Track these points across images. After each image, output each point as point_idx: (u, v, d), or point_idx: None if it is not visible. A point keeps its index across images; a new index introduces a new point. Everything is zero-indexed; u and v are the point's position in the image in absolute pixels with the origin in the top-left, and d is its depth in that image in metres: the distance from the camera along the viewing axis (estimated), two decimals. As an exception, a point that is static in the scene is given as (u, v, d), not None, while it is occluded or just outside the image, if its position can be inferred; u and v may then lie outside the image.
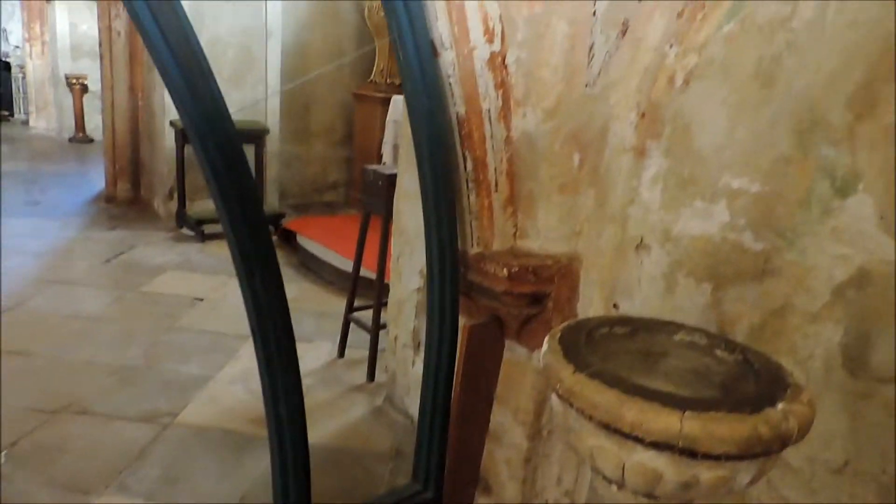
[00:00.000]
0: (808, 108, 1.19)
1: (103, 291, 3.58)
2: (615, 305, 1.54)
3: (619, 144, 1.51)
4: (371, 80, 5.43)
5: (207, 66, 1.10)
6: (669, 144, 1.42)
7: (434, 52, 1.41)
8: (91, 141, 8.71)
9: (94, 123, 8.78)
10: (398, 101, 4.75)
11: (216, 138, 1.10)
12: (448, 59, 1.41)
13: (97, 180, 6.27)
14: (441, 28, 1.38)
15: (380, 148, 4.95)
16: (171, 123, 4.64)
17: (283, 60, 5.14)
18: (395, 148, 4.73)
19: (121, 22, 4.99)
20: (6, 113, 10.77)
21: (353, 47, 5.72)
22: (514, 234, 1.61)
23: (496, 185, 1.54)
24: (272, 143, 5.14)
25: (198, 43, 1.09)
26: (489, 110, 1.46)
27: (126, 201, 5.47)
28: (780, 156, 1.23)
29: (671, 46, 1.40)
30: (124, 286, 3.67)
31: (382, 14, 5.14)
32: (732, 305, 1.32)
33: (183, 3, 1.09)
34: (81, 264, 4.02)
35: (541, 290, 1.57)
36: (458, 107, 1.46)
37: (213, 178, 1.10)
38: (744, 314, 1.30)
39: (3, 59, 11.40)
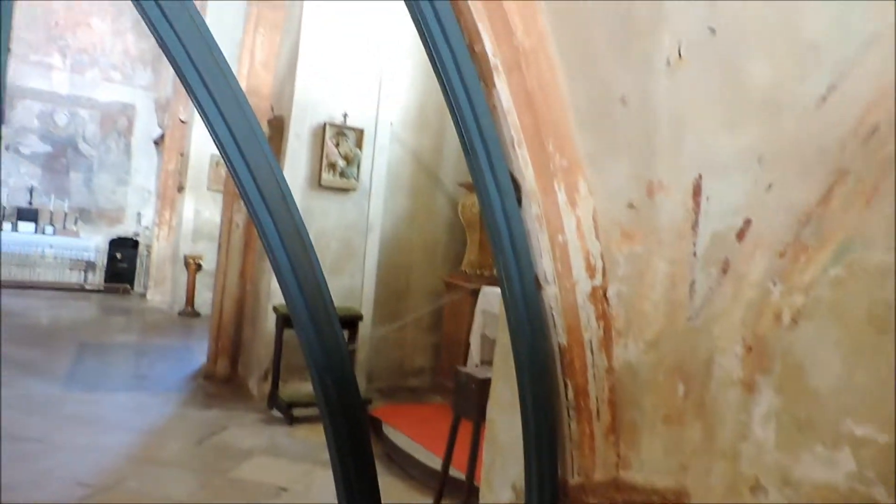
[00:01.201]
0: (933, 361, 1.14)
1: (193, 475, 3.63)
2: (731, 554, 1.41)
3: (725, 377, 1.48)
4: (461, 270, 5.67)
5: (315, 256, 1.18)
6: (781, 382, 1.38)
7: (537, 286, 1.48)
8: (198, 315, 9.33)
9: (202, 299, 9.50)
10: (487, 293, 4.90)
11: (318, 324, 1.17)
12: (551, 292, 1.48)
13: (199, 355, 6.63)
14: (545, 265, 1.46)
15: (467, 337, 5.03)
16: (274, 308, 4.96)
17: (380, 251, 5.50)
18: (483, 337, 4.80)
19: (240, 216, 5.57)
20: (127, 286, 11.84)
21: (446, 239, 6.07)
22: (617, 464, 1.55)
23: (598, 413, 1.52)
24: (364, 328, 5.34)
25: (307, 236, 1.19)
26: (591, 340, 1.49)
27: (223, 379, 5.71)
28: (909, 409, 1.17)
29: (775, 284, 1.42)
30: (213, 470, 3.71)
31: (475, 210, 5.50)
32: (871, 572, 1.19)
33: (297, 200, 1.22)
34: (176, 444, 4.14)
35: (647, 528, 1.47)
36: (559, 336, 1.50)
37: (313, 362, 1.16)
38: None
39: (134, 237, 12.83)
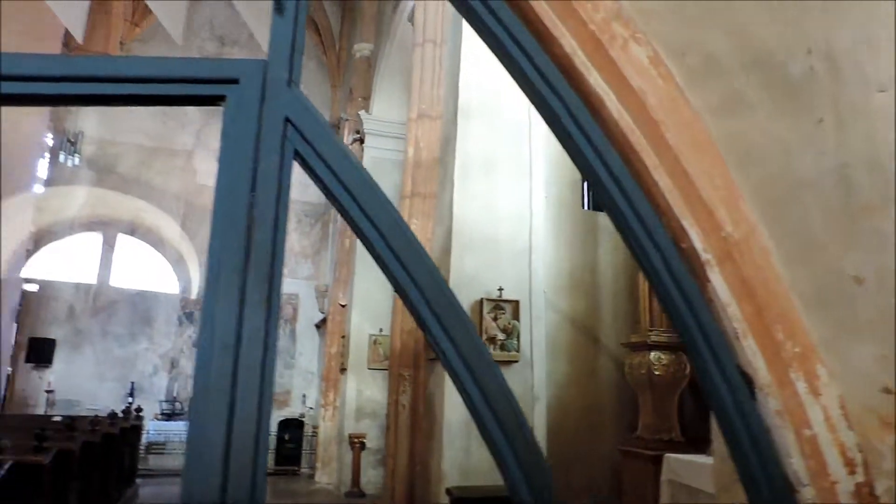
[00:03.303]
0: None
1: None
2: None
3: None
4: (637, 436, 5.31)
5: (526, 425, 1.11)
6: None
7: (790, 490, 1.33)
8: (364, 495, 9.32)
9: (366, 478, 9.55)
10: (672, 461, 4.51)
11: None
12: (808, 495, 1.32)
13: (370, 541, 6.52)
14: (795, 464, 1.32)
15: (656, 511, 4.58)
16: (447, 491, 4.84)
17: (547, 419, 5.32)
18: (676, 513, 4.34)
19: (406, 396, 5.69)
20: (294, 468, 12.20)
21: (613, 402, 5.78)
22: None
23: None
24: (540, 507, 5.03)
25: (516, 402, 1.13)
26: (868, 550, 1.28)
27: (399, 568, 5.52)
28: None
29: None
30: None
31: (643, 371, 5.25)
32: None
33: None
34: None
35: None
36: (828, 547, 1.31)
37: None
38: None
39: (300, 418, 13.43)
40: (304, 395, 14.08)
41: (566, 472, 5.64)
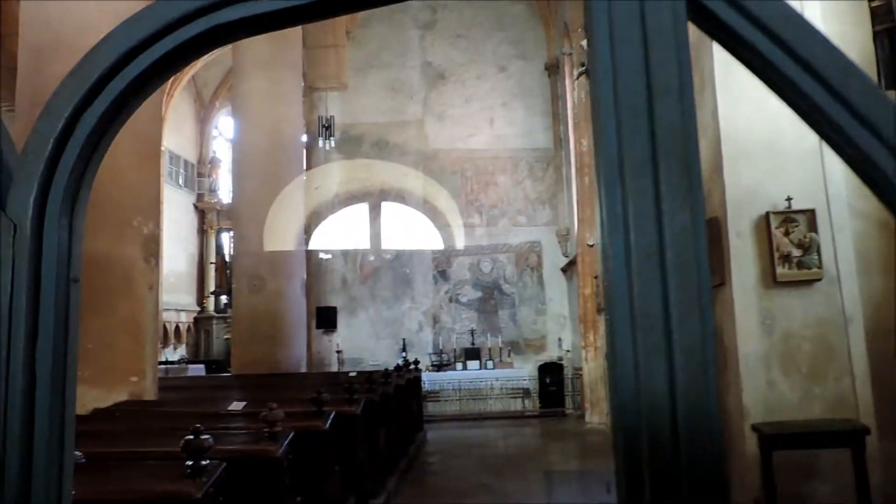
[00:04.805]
0: None
1: None
2: None
3: None
4: None
5: None
6: None
7: None
8: (639, 434, 9.11)
9: (640, 417, 9.29)
10: None
11: None
12: None
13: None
14: None
15: None
16: (754, 427, 4.39)
17: (868, 345, 4.53)
18: None
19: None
20: (562, 409, 12.40)
21: (954, 317, 4.73)
22: None
23: None
24: (871, 442, 4.34)
25: None
26: None
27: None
28: None
29: None
30: None
31: None
32: None
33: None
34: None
35: None
36: None
37: None
38: None
39: (558, 361, 13.61)
40: (559, 339, 14.21)
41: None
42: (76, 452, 1.97)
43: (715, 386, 0.76)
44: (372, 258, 14.77)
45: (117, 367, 4.90)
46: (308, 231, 13.55)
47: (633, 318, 0.74)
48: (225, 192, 16.91)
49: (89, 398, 4.70)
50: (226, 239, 16.52)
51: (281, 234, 8.89)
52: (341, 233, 14.91)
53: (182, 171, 16.63)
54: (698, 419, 0.72)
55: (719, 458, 0.69)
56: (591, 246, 10.03)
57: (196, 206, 16.84)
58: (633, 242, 0.73)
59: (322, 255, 14.56)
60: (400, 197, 14.83)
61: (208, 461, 2.32)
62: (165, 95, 13.39)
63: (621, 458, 0.86)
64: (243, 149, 9.61)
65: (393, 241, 14.86)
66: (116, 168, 5.07)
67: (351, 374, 7.91)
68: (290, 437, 3.28)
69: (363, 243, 14.88)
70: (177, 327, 15.37)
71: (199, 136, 17.39)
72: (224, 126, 18.01)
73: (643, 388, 0.71)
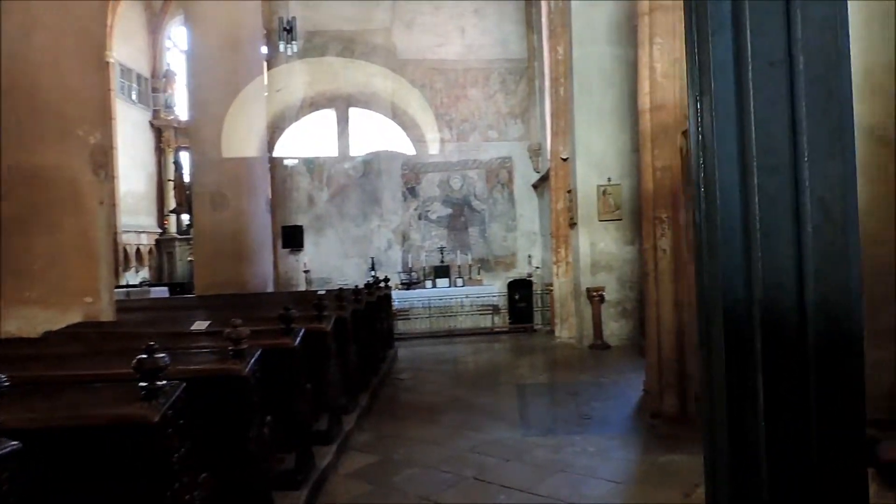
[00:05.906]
0: None
1: (701, 538, 3.20)
2: None
3: None
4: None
5: None
6: None
7: None
8: (608, 347, 9.22)
9: (609, 330, 9.40)
10: None
11: None
12: None
13: (629, 389, 6.40)
14: None
15: None
16: (732, 338, 4.35)
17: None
18: None
19: (665, 240, 5.16)
20: (531, 325, 12.52)
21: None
22: None
23: None
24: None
25: None
26: None
27: (674, 417, 5.27)
28: None
29: None
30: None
31: None
32: None
33: None
34: (662, 496, 3.80)
35: None
36: None
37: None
38: None
39: (527, 278, 13.64)
40: (529, 256, 14.18)
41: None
42: None
43: (859, 249, 0.55)
44: (339, 175, 14.31)
45: (69, 287, 4.59)
46: (272, 140, 12.98)
47: (743, 153, 0.51)
48: (182, 109, 16.00)
49: (41, 320, 4.42)
50: (185, 158, 15.81)
51: (241, 141, 8.41)
52: (307, 142, 14.34)
53: (135, 85, 15.61)
54: (833, 293, 0.52)
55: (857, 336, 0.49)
56: (566, 160, 9.79)
57: (152, 124, 15.95)
58: (750, 48, 0.50)
59: (287, 163, 14.04)
60: (368, 104, 14.23)
61: (165, 382, 2.11)
62: (110, -1, 12.33)
63: (717, 338, 0.66)
64: (198, 59, 8.94)
65: (362, 148, 14.36)
66: (57, 72, 4.58)
67: (320, 292, 7.71)
68: (257, 354, 3.08)
69: (331, 151, 14.35)
70: (138, 250, 14.86)
71: (151, 47, 16.25)
72: (178, 36, 16.86)
73: (757, 250, 0.50)
